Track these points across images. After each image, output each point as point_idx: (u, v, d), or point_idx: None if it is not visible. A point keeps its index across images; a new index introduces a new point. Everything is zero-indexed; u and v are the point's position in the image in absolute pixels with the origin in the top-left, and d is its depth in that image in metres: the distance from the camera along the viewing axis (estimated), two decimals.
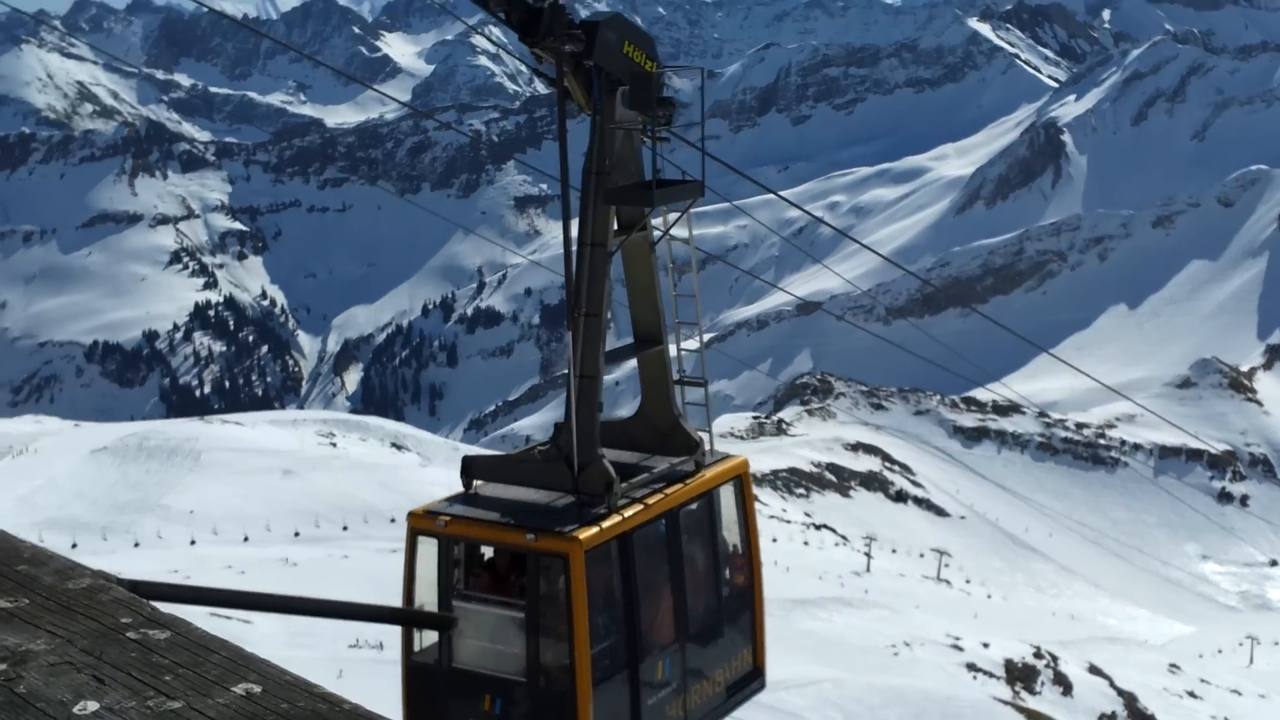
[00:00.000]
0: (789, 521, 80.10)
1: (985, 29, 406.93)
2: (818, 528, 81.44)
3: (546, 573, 11.37)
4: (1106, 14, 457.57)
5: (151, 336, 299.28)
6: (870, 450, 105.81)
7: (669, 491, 12.36)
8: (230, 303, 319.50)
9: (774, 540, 70.08)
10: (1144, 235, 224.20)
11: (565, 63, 11.61)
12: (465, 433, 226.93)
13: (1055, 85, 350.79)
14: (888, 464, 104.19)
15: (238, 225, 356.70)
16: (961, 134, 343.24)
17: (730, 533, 13.65)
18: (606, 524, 11.38)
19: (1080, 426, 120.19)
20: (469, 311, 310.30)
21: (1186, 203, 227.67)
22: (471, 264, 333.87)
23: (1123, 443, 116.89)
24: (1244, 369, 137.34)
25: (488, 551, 11.90)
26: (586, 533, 11.17)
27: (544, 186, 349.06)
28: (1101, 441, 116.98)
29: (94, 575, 3.12)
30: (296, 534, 55.26)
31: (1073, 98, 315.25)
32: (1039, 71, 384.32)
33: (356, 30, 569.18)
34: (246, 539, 53.90)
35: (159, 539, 54.99)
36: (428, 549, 11.82)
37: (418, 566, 11.89)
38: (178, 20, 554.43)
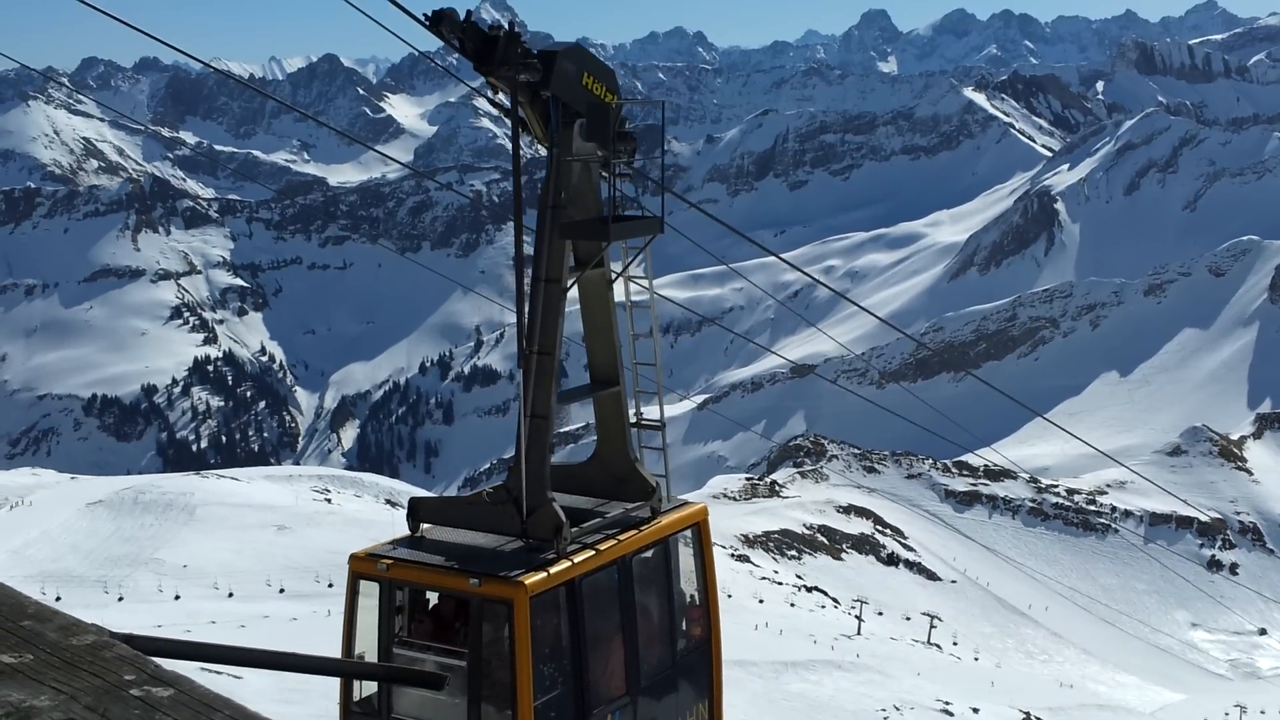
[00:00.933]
0: (781, 583, 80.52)
1: (980, 98, 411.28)
2: (809, 590, 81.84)
3: (490, 619, 10.82)
4: (1100, 85, 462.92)
5: (150, 391, 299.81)
6: (862, 513, 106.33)
7: (622, 538, 11.91)
8: (229, 358, 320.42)
9: (760, 601, 70.58)
10: (1136, 303, 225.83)
11: (521, 92, 11.35)
12: (460, 490, 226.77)
13: (1049, 154, 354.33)
14: (880, 527, 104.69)
15: (239, 281, 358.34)
16: (956, 201, 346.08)
17: (687, 583, 13.20)
18: (554, 570, 10.92)
19: (1071, 493, 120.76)
20: (466, 370, 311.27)
21: (1178, 271, 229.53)
22: (470, 323, 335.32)
23: (1113, 509, 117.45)
24: (1234, 437, 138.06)
25: (434, 597, 11.41)
26: (532, 578, 10.67)
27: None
28: (1092, 508, 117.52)
29: (97, 632, 3.10)
30: (281, 590, 55.77)
31: (1066, 167, 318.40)
32: (1033, 141, 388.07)
33: (361, 91, 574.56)
34: (231, 595, 54.38)
35: (156, 592, 55.55)
36: (369, 593, 11.36)
37: (359, 611, 11.45)
38: (184, 79, 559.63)
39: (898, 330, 25.27)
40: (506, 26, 11.23)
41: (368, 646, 11.37)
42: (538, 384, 11.67)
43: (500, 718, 10.76)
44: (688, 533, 13.16)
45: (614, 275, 12.87)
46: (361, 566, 11.43)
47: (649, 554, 12.43)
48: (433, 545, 11.46)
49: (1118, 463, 78.54)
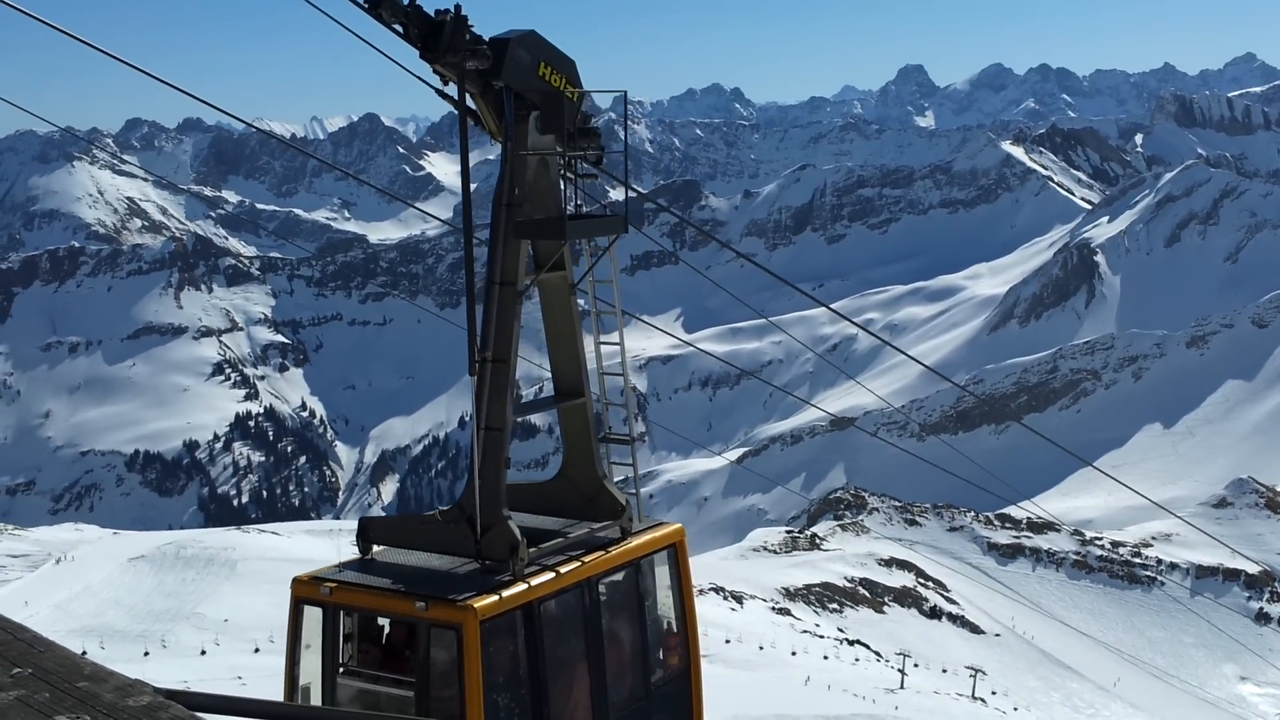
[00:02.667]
0: (822, 636, 79.91)
1: (1019, 152, 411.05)
2: (851, 643, 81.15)
3: (438, 645, 10.03)
4: (1139, 138, 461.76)
5: (192, 446, 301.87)
6: (904, 566, 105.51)
7: (587, 559, 11.15)
8: (270, 413, 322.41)
9: (793, 653, 70.01)
10: (1178, 355, 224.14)
11: (470, 82, 10.54)
12: None
13: (1088, 207, 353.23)
14: (922, 580, 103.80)
15: (280, 338, 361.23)
16: (995, 254, 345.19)
17: (663, 608, 12.34)
18: (508, 592, 10.20)
19: (1116, 545, 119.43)
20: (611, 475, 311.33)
21: (1221, 323, 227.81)
22: None
23: (1159, 562, 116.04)
24: None
25: (387, 624, 10.71)
26: (483, 601, 9.94)
27: (580, 302, 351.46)
28: (1137, 560, 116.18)
29: (152, 693, 3.04)
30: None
31: (1106, 219, 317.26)
32: (1072, 194, 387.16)
33: (401, 150, 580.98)
34: (272, 645, 54.50)
35: (197, 646, 55.73)
36: (313, 619, 10.61)
37: (302, 638, 10.68)
38: (227, 139, 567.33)
39: (944, 378, 25.21)
40: (454, 10, 10.26)
41: (311, 676, 10.66)
42: (491, 394, 10.98)
43: None
44: (662, 555, 12.36)
45: (576, 280, 12.20)
46: (304, 591, 10.66)
47: (618, 577, 11.66)
48: (383, 568, 10.76)
49: (1169, 512, 77.55)
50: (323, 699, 10.54)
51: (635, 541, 11.89)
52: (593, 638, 11.16)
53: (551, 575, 10.71)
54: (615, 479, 12.76)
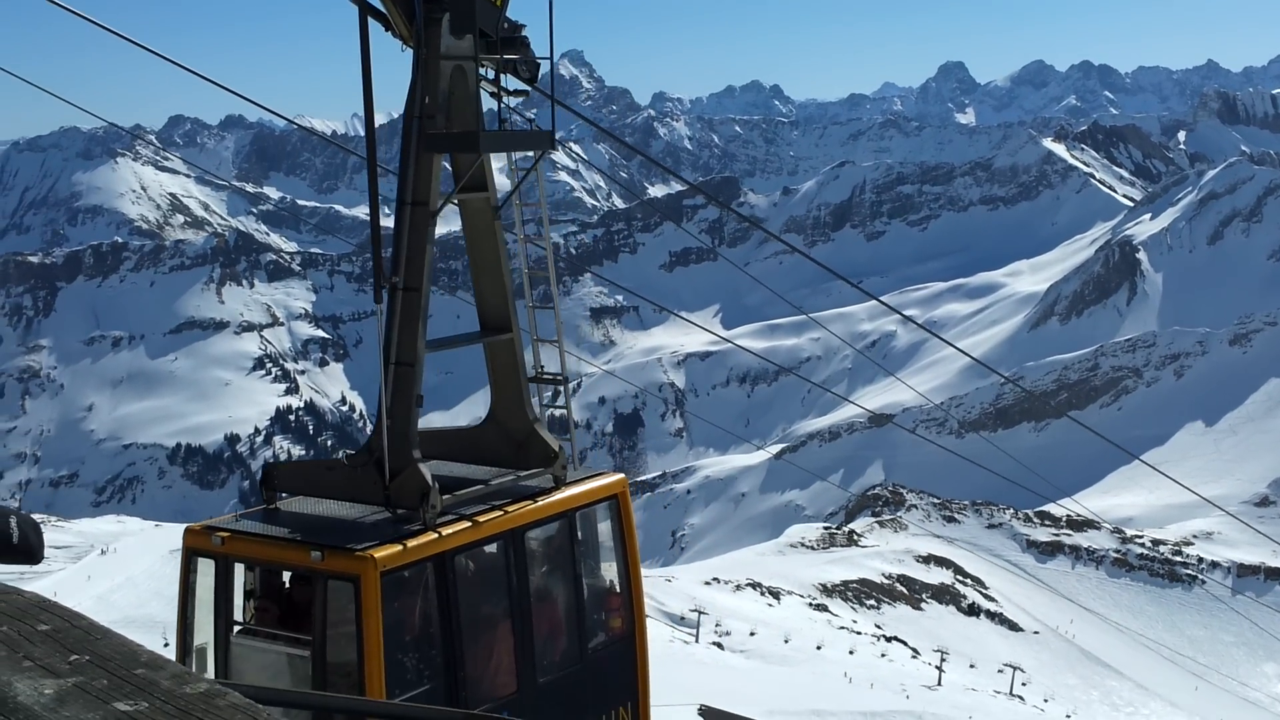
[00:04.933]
0: (860, 633, 79.92)
1: (1060, 149, 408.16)
2: (889, 639, 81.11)
3: (336, 599, 9.16)
4: (1182, 135, 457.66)
5: (233, 440, 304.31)
6: (942, 563, 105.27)
7: (511, 509, 10.26)
8: (310, 408, 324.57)
9: (831, 649, 70.05)
10: (1221, 353, 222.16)
11: None
12: None
13: (1130, 204, 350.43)
14: (960, 577, 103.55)
15: (320, 333, 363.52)
16: (1035, 251, 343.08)
17: (603, 565, 11.49)
18: (415, 542, 9.32)
19: (1156, 543, 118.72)
20: (544, 419, 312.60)
21: (1264, 321, 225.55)
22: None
23: (1199, 560, 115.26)
24: None
25: (291, 578, 9.84)
26: (385, 551, 9.08)
27: (619, 298, 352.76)
28: (1178, 559, 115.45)
29: (210, 681, 3.11)
30: None
31: (1148, 216, 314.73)
32: (1114, 191, 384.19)
33: None
34: None
35: None
36: (206, 572, 9.84)
37: (195, 594, 9.92)
38: (269, 136, 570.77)
39: (991, 370, 25.21)
40: None
41: (204, 635, 9.83)
42: (402, 325, 10.19)
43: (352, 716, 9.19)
44: (602, 507, 11.37)
45: (499, 202, 11.20)
46: (196, 541, 9.87)
47: (548, 530, 10.76)
48: (286, 517, 9.94)
49: (1217, 507, 76.95)
50: (215, 661, 9.71)
51: (569, 492, 10.91)
52: (518, 595, 10.20)
53: (468, 525, 9.80)
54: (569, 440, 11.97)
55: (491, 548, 10.17)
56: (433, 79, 10.08)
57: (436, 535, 9.48)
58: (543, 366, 11.78)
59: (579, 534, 10.99)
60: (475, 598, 9.98)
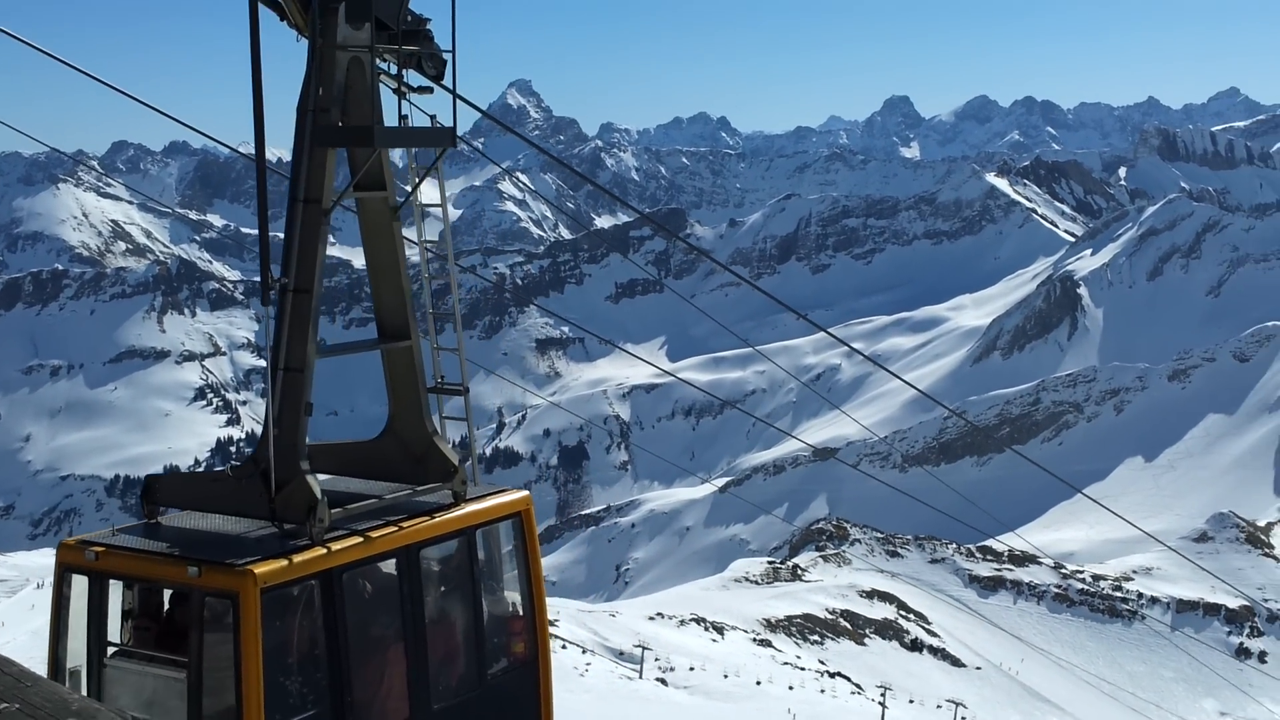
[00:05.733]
0: (803, 669, 79.81)
1: (1003, 184, 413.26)
2: (832, 675, 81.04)
3: (213, 618, 8.67)
4: (1123, 171, 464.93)
5: (173, 472, 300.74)
6: (885, 598, 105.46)
7: (406, 525, 9.76)
8: (252, 438, 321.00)
9: (788, 686, 69.92)
10: (1160, 389, 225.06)
11: None
12: None
13: (1072, 240, 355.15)
14: (903, 612, 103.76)
15: (263, 362, 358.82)
16: (978, 285, 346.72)
17: (505, 587, 11.01)
18: (300, 557, 8.83)
19: (1097, 579, 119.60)
20: (488, 451, 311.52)
21: (1202, 357, 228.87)
22: (492, 404, 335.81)
23: (1140, 595, 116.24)
24: (1261, 524, 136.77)
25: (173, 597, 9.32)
26: (266, 567, 8.59)
27: (564, 329, 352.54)
28: (1118, 594, 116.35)
29: None
30: None
31: (1089, 252, 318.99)
32: (1056, 226, 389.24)
33: None
34: None
35: None
36: (80, 590, 9.34)
37: (68, 612, 9.41)
38: (213, 163, 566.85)
39: (937, 402, 25.22)
40: None
41: (77, 656, 9.33)
42: (292, 328, 9.59)
43: None
44: (505, 525, 10.90)
45: (399, 202, 10.78)
46: (69, 557, 9.40)
47: (446, 548, 10.28)
48: (166, 531, 9.44)
49: (1159, 541, 77.33)
50: (88, 684, 9.21)
51: (470, 508, 10.43)
52: (411, 616, 9.69)
53: (359, 541, 9.30)
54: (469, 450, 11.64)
55: (384, 565, 9.65)
56: (328, 70, 9.66)
57: (324, 551, 9.02)
58: (443, 377, 11.42)
59: (479, 553, 10.52)
60: (365, 618, 9.47)
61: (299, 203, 9.72)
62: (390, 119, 10.40)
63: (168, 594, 9.23)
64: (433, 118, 10.49)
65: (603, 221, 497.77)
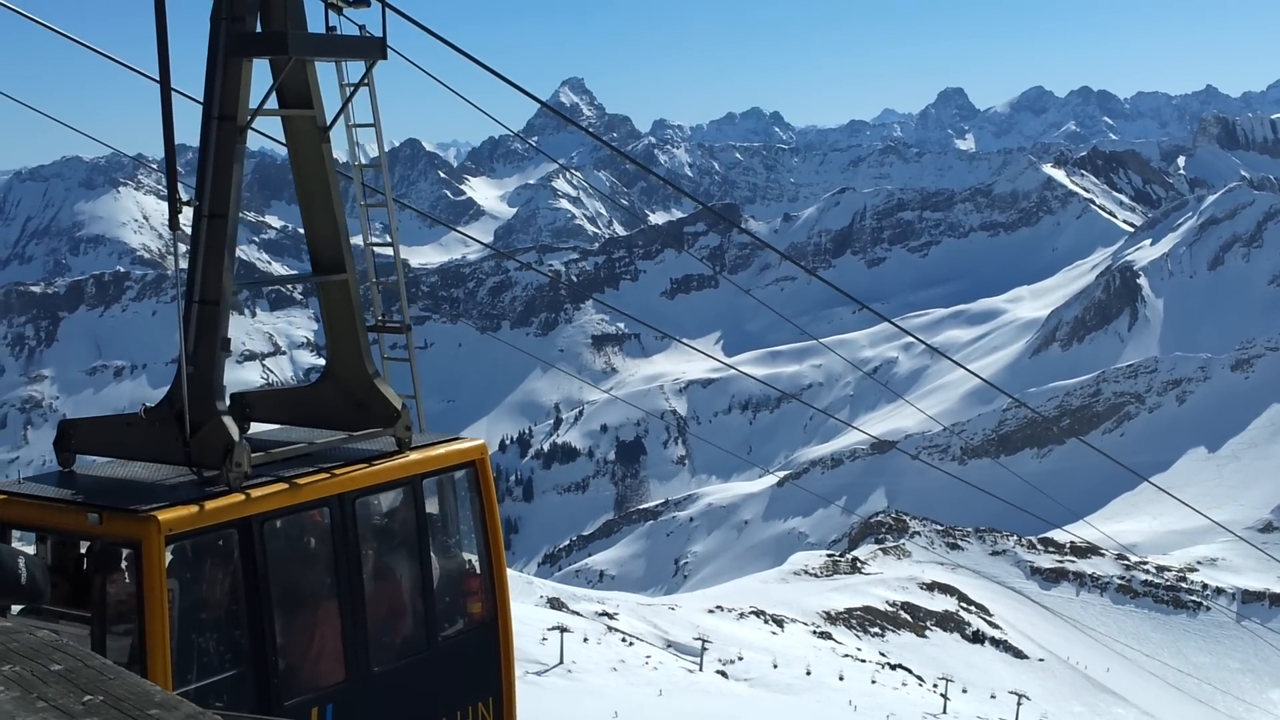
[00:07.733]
0: (864, 661, 79.73)
1: (1060, 175, 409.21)
2: (893, 667, 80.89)
3: (116, 569, 8.08)
4: (1181, 160, 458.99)
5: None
6: (946, 590, 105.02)
7: (339, 472, 9.00)
8: None
9: (839, 678, 69.88)
10: (1222, 378, 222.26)
11: None
12: (540, 567, 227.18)
13: (1130, 230, 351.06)
14: (964, 604, 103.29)
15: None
16: (1036, 277, 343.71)
17: (460, 543, 10.26)
18: (214, 504, 8.17)
19: (1161, 569, 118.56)
20: (545, 447, 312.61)
21: (1265, 346, 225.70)
22: (549, 400, 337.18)
23: (1204, 586, 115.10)
24: None
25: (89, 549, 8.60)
26: (173, 513, 7.94)
27: (621, 325, 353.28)
28: (1183, 585, 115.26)
29: (222, 717, 3.02)
30: None
31: (1148, 242, 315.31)
32: (1114, 216, 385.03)
33: (442, 175, 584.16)
34: None
35: None
36: None
37: None
38: (271, 165, 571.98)
39: (1001, 391, 25.22)
40: None
41: None
42: (206, 257, 8.94)
43: None
44: (460, 476, 10.14)
45: (329, 122, 9.80)
46: None
47: (388, 497, 9.57)
48: (77, 479, 8.82)
49: (1228, 530, 76.61)
50: None
51: (415, 456, 9.63)
52: (346, 571, 8.88)
53: (285, 488, 8.58)
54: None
55: (313, 515, 8.88)
56: None
57: (243, 498, 8.29)
58: (384, 315, 10.72)
59: (427, 506, 9.70)
60: (291, 572, 8.72)
61: (213, 120, 8.93)
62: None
63: (85, 547, 8.50)
64: (361, 28, 9.55)
65: (656, 218, 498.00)
